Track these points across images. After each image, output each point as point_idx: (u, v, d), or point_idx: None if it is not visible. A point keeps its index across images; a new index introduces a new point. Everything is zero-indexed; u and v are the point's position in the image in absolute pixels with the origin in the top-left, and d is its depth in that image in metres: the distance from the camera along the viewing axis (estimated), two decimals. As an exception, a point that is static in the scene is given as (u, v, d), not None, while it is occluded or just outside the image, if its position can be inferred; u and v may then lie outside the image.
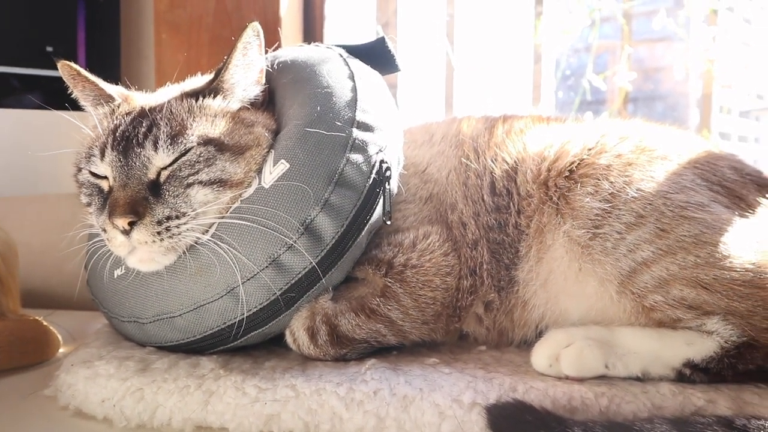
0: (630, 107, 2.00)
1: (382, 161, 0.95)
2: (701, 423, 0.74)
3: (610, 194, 0.93)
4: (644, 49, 2.16)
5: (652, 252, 0.89)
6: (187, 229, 0.91)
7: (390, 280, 0.96)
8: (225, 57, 0.99)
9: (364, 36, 1.80)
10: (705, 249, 0.88)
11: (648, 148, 0.99)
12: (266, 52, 1.05)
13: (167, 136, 0.93)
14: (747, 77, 2.08)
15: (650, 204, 0.91)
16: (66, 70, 1.00)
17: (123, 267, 0.98)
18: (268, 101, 1.06)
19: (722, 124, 2.17)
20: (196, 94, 0.99)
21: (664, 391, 0.83)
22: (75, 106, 1.04)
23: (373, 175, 0.94)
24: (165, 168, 0.92)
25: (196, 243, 0.92)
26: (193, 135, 0.93)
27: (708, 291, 0.87)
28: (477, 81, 1.96)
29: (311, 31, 1.67)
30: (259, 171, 0.95)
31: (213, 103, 0.98)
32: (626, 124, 1.09)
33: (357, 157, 0.93)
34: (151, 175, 0.92)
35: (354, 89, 0.99)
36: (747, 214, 0.94)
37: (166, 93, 1.05)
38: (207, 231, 0.92)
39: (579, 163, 0.98)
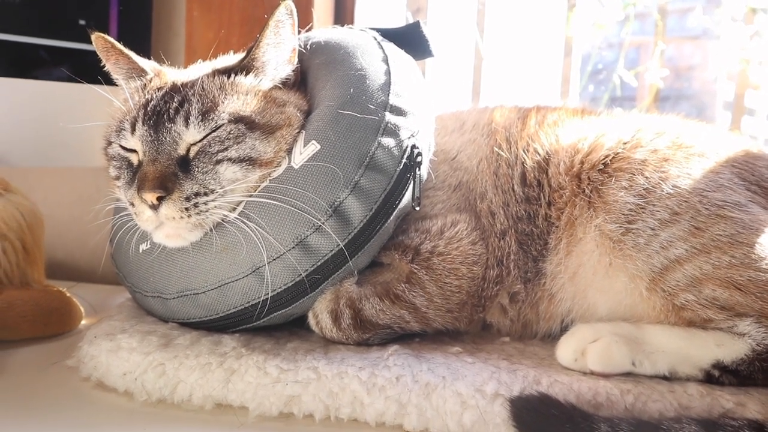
0: (660, 105, 1.97)
1: (413, 146, 0.94)
2: (731, 426, 0.73)
3: (644, 189, 0.91)
4: (675, 47, 2.12)
5: (686, 250, 0.87)
6: (215, 207, 0.91)
7: (416, 266, 0.95)
8: (257, 35, 0.98)
9: (395, 21, 1.78)
10: (741, 249, 0.86)
11: (685, 144, 0.97)
12: (299, 32, 1.04)
13: (198, 112, 0.92)
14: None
15: (686, 201, 0.89)
16: (100, 42, 1.00)
17: (148, 242, 0.98)
18: (300, 82, 1.05)
19: (749, 126, 2.13)
20: (227, 72, 0.99)
21: (691, 392, 0.82)
22: (107, 80, 1.04)
23: (404, 160, 0.93)
24: (195, 144, 0.92)
25: (223, 221, 0.92)
26: (224, 112, 0.93)
27: (742, 292, 0.85)
28: (506, 72, 1.94)
29: (342, 14, 1.66)
30: (290, 151, 0.95)
31: (245, 81, 0.98)
32: (662, 120, 1.07)
33: (389, 141, 0.92)
34: (181, 150, 0.92)
35: (388, 72, 0.98)
36: (785, 215, 0.91)
37: (198, 70, 1.05)
38: (235, 209, 0.92)
39: (614, 157, 0.97)
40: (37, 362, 0.99)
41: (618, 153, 0.97)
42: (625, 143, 0.98)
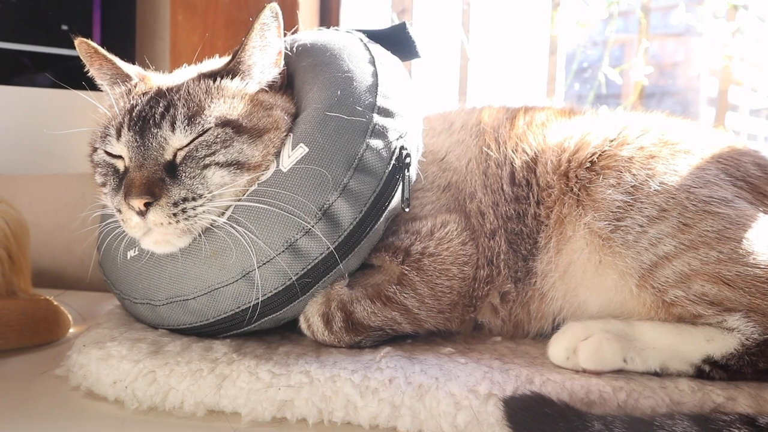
0: (645, 102, 1.98)
1: (402, 147, 0.94)
2: (723, 420, 0.73)
3: (632, 187, 0.92)
4: (658, 45, 2.13)
5: (674, 246, 0.88)
6: (204, 212, 0.90)
7: (407, 267, 0.95)
8: (243, 38, 0.98)
9: (380, 23, 1.79)
10: (728, 245, 0.87)
11: (671, 141, 0.98)
12: (285, 35, 1.03)
13: (184, 116, 0.92)
14: (758, 76, 2.06)
15: (673, 198, 0.90)
16: (83, 47, 0.99)
17: (136, 248, 0.97)
18: (287, 85, 1.04)
19: (732, 122, 2.15)
20: (213, 75, 0.98)
21: (683, 387, 0.82)
22: (92, 85, 1.03)
23: (392, 162, 0.93)
24: (182, 149, 0.91)
25: (212, 225, 0.91)
26: (210, 116, 0.92)
27: (730, 287, 0.86)
28: (492, 71, 1.95)
29: (327, 16, 1.66)
30: (278, 154, 0.94)
31: (231, 85, 0.97)
32: (648, 117, 1.08)
33: (377, 143, 0.92)
34: (168, 155, 0.91)
35: (375, 74, 0.98)
36: (771, 210, 0.92)
37: (183, 74, 1.04)
38: (223, 214, 0.91)
39: (600, 155, 0.97)
40: (25, 372, 0.98)
41: (605, 151, 0.97)
42: (611, 141, 0.99)
